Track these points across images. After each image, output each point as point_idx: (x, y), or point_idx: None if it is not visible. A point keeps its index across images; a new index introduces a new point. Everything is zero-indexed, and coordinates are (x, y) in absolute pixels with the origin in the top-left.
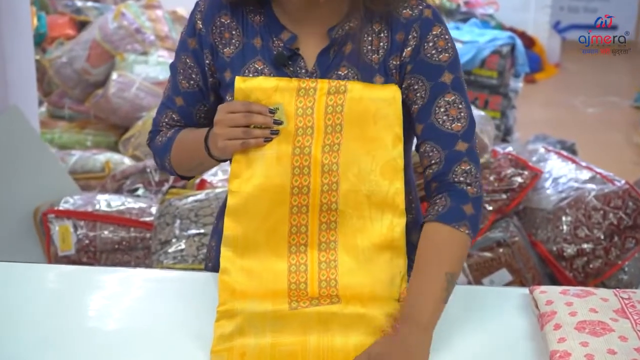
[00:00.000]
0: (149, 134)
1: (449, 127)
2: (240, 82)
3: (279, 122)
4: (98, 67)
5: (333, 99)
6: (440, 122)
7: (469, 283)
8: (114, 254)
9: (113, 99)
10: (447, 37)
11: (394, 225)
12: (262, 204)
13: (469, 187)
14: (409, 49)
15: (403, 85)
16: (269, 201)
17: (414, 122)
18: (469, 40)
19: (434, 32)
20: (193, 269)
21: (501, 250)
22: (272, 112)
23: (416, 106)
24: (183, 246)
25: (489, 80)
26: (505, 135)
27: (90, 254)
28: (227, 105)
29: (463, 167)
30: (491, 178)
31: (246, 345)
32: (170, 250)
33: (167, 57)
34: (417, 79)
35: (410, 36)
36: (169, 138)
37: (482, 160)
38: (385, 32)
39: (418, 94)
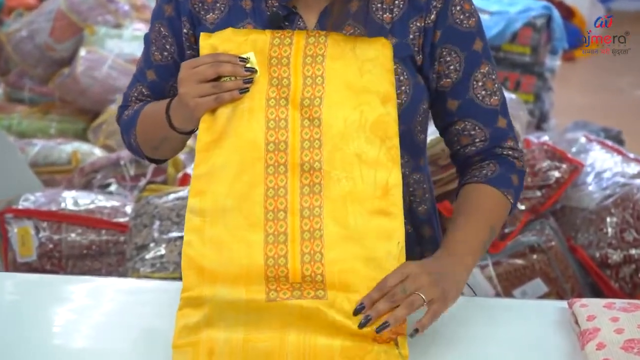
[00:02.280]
0: (117, 109)
1: (489, 103)
2: (205, 38)
3: (251, 70)
4: (63, 41)
5: (312, 49)
6: (480, 98)
7: (497, 295)
8: (82, 260)
9: (81, 79)
10: (470, 0)
11: (390, 187)
12: (233, 163)
13: (516, 160)
14: (434, 12)
15: (434, 57)
16: (241, 159)
17: (444, 97)
18: (497, 10)
19: None
20: (174, 279)
21: (535, 256)
22: (243, 60)
23: (449, 80)
24: (163, 251)
25: (521, 58)
26: (540, 122)
27: (54, 261)
28: (191, 61)
29: (509, 144)
30: None
31: (215, 339)
32: (148, 257)
33: (144, 30)
34: (450, 50)
35: (432, 10)
36: (135, 111)
37: None
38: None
39: (451, 67)
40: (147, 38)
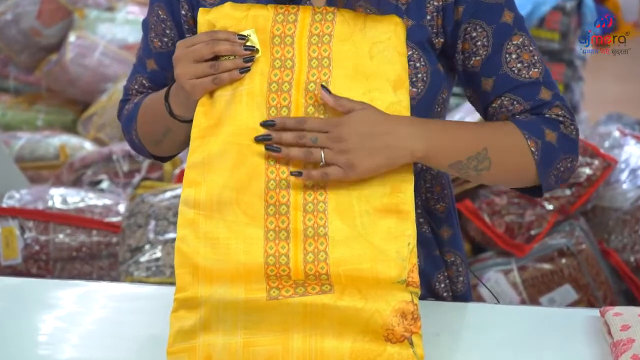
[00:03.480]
0: (119, 104)
1: (527, 75)
2: (203, 14)
3: (250, 48)
4: (51, 26)
5: (319, 28)
6: (516, 72)
7: (523, 302)
8: (71, 263)
9: (70, 67)
10: None
11: (400, 182)
12: (231, 152)
13: (561, 125)
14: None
15: (458, 36)
16: (239, 148)
17: (477, 79)
18: None
19: None
20: (171, 284)
21: (564, 260)
22: (242, 37)
23: (478, 58)
24: (159, 254)
25: (548, 44)
26: None
27: (41, 263)
28: (187, 40)
29: (555, 111)
30: None
31: (212, 345)
32: (142, 260)
33: (139, 14)
34: (475, 25)
35: None
36: (135, 104)
37: None
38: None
39: (478, 42)
40: (145, 24)
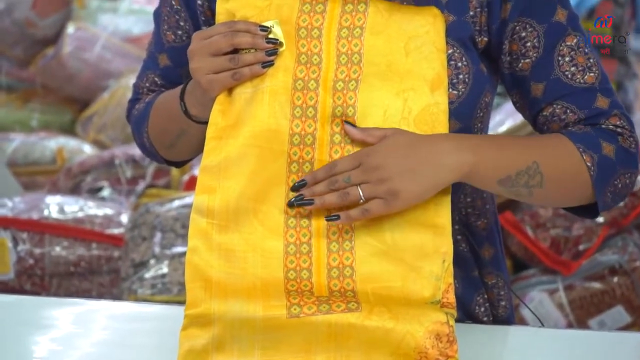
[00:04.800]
0: (128, 104)
1: (581, 81)
2: (222, 2)
3: (273, 41)
4: (48, 16)
5: (349, 20)
6: (569, 76)
7: (570, 325)
8: (69, 279)
9: (69, 62)
10: None
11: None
12: (250, 157)
13: (620, 137)
14: None
15: (505, 35)
16: (260, 152)
17: (527, 84)
18: None
19: None
20: (179, 302)
21: (616, 279)
22: (264, 29)
23: (528, 60)
24: (165, 270)
25: (599, 38)
26: None
27: (35, 279)
28: (203, 31)
29: (613, 121)
30: None
31: None
32: (147, 276)
33: (144, 3)
34: (524, 23)
35: None
36: (147, 103)
37: None
38: None
39: (528, 43)
40: (157, 15)
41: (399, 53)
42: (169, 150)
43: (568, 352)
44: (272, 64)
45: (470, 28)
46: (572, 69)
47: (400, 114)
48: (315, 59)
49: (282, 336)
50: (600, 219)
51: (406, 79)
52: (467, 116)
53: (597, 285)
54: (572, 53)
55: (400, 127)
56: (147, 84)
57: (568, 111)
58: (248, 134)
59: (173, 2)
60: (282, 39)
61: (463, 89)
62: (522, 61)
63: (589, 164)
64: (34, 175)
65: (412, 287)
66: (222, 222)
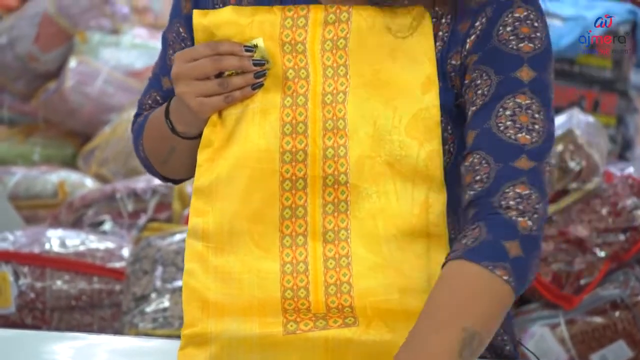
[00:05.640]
0: (133, 118)
1: (512, 137)
2: (199, 17)
3: (260, 63)
4: (50, 51)
5: (332, 31)
6: (502, 128)
7: None
8: (70, 313)
9: (70, 96)
10: (536, 24)
11: (431, 202)
12: (241, 177)
13: (520, 218)
14: (472, 37)
15: (465, 82)
16: (250, 173)
17: (465, 130)
18: (572, 15)
19: (516, 15)
20: (180, 337)
21: (617, 313)
22: (249, 50)
23: (474, 108)
24: (167, 304)
25: (600, 73)
26: (623, 150)
27: (36, 313)
28: (186, 52)
29: (518, 190)
30: (604, 211)
31: None
32: (148, 310)
33: (146, 38)
34: (482, 72)
35: (477, 22)
36: (145, 117)
37: (591, 186)
38: (449, 17)
39: (479, 91)
40: (164, 38)
41: (386, 60)
42: (163, 167)
43: None
44: (263, 85)
45: (453, 95)
46: (508, 123)
47: (391, 123)
48: (303, 73)
49: (279, 353)
50: (602, 254)
51: (394, 86)
52: (454, 182)
53: (598, 319)
54: (516, 109)
55: (391, 137)
56: (150, 102)
57: (483, 162)
58: (239, 155)
59: (180, 30)
60: (267, 57)
61: (448, 159)
62: (470, 109)
63: (505, 277)
64: (36, 209)
65: (409, 300)
66: (218, 245)
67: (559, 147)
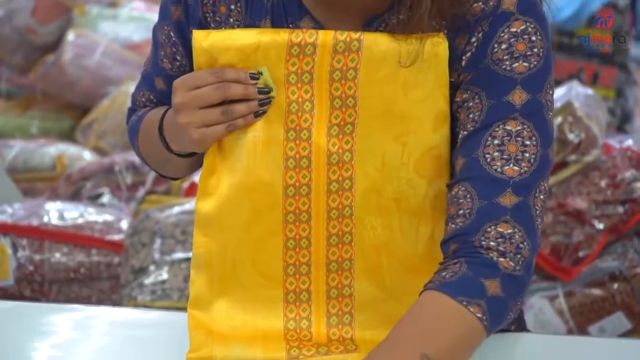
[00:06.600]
0: (127, 111)
1: (498, 169)
2: (201, 39)
3: (265, 91)
4: (48, 23)
5: (342, 60)
6: (488, 160)
7: (569, 332)
8: (69, 285)
9: (68, 69)
10: (534, 38)
11: (436, 241)
12: (243, 208)
13: (502, 259)
14: (468, 54)
15: (456, 100)
16: (252, 205)
17: (455, 155)
18: None
19: (513, 30)
20: (179, 309)
21: (616, 285)
22: (254, 77)
23: (465, 132)
24: (165, 276)
25: (599, 45)
26: (622, 122)
27: (35, 285)
28: (188, 79)
29: (500, 229)
30: (602, 183)
31: None
32: (147, 282)
33: (144, 10)
34: (474, 93)
35: (473, 38)
36: (139, 117)
37: (590, 158)
38: (445, 33)
39: (470, 115)
40: (155, 35)
41: (397, 93)
42: (160, 169)
43: (568, 357)
44: (265, 113)
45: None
46: (496, 154)
47: (399, 160)
48: (307, 106)
49: None
50: (600, 226)
51: (405, 121)
52: None
53: (597, 291)
54: (505, 138)
55: (398, 173)
56: (143, 99)
57: (467, 196)
58: (241, 187)
59: (171, 34)
60: (272, 85)
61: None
62: (462, 132)
63: (478, 315)
64: (34, 182)
65: None
66: (222, 276)
67: (558, 119)
